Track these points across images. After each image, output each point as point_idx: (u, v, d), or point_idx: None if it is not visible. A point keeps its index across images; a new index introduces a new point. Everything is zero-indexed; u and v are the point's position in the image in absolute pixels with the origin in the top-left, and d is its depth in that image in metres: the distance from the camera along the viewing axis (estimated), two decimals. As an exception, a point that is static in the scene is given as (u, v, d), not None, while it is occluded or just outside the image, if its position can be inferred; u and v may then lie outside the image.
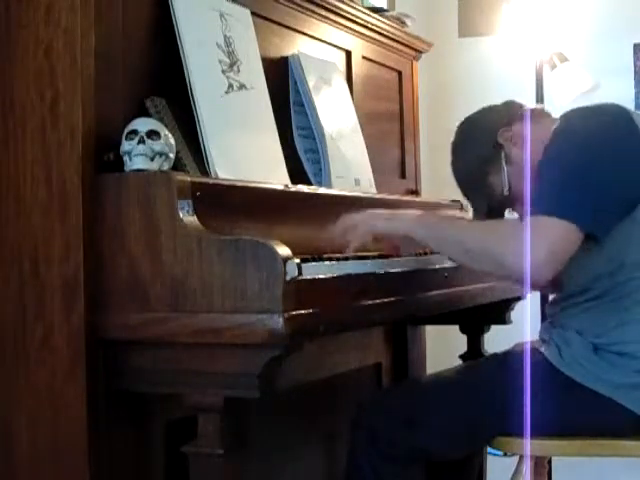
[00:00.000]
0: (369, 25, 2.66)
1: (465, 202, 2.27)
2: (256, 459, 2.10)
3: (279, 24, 2.30)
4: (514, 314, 2.75)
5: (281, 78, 2.29)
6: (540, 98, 3.56)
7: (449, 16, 4.35)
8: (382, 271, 1.88)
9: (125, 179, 1.67)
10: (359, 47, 2.66)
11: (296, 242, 1.75)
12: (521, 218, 2.01)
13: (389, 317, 2.01)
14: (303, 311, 1.57)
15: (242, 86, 2.03)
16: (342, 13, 2.52)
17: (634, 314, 1.88)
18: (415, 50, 2.98)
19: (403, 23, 2.89)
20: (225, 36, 2.02)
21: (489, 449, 2.35)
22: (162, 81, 1.90)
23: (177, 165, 1.78)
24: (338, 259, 1.83)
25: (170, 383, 1.66)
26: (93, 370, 1.68)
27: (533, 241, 1.75)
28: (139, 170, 1.68)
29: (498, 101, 2.17)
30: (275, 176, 2.04)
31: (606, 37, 4.04)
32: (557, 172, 1.84)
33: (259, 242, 1.56)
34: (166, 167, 1.72)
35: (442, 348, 3.29)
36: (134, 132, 1.71)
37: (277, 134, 2.11)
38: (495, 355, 2.12)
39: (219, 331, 1.57)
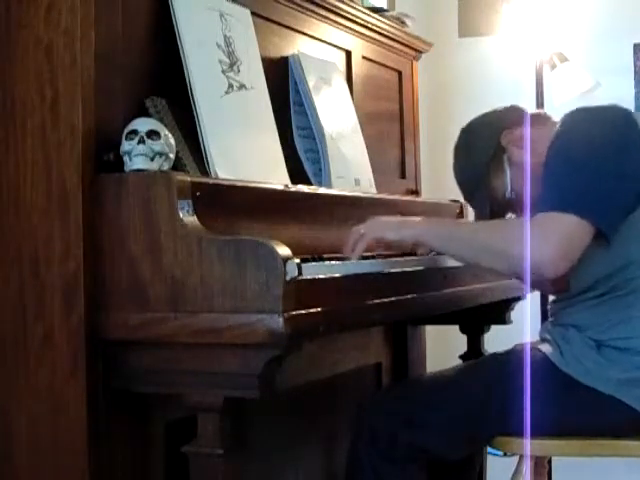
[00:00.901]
0: (369, 25, 2.66)
1: (465, 202, 2.27)
2: (256, 459, 2.11)
3: (279, 24, 2.30)
4: (514, 314, 2.75)
5: (281, 78, 2.29)
6: (540, 98, 3.56)
7: (449, 16, 4.35)
8: (382, 271, 1.88)
9: (125, 179, 1.67)
10: (359, 47, 2.66)
11: (296, 242, 1.75)
12: None
13: (389, 317, 2.01)
14: (303, 311, 1.57)
15: (242, 86, 2.03)
16: (342, 13, 2.52)
17: (636, 310, 1.89)
18: (415, 50, 2.98)
19: (403, 23, 2.89)
20: (225, 36, 2.02)
21: (489, 449, 2.35)
22: (162, 81, 1.90)
23: (177, 165, 1.78)
24: (338, 259, 1.84)
25: (170, 383, 1.66)
26: (93, 370, 1.68)
27: (544, 237, 1.76)
28: (139, 170, 1.68)
29: (498, 101, 2.18)
30: (275, 176, 2.04)
31: (606, 37, 4.04)
32: (563, 169, 1.85)
33: (259, 242, 1.56)
34: (166, 167, 1.72)
35: (442, 348, 3.29)
36: (134, 132, 1.71)
37: (277, 134, 2.11)
38: (495, 355, 2.12)
39: (219, 331, 1.56)
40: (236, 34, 2.05)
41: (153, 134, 1.71)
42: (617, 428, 1.90)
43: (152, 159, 1.70)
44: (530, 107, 3.55)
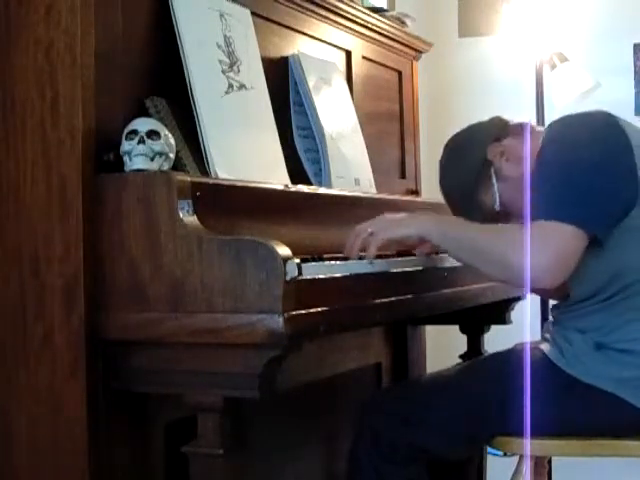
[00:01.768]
0: (369, 25, 2.66)
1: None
2: (256, 459, 2.11)
3: (279, 24, 2.30)
4: (514, 314, 2.75)
5: (281, 78, 2.29)
6: (540, 98, 3.56)
7: (449, 16, 4.35)
8: (382, 271, 1.88)
9: (125, 179, 1.67)
10: (359, 47, 2.66)
11: (296, 242, 1.75)
12: None
13: (389, 317, 2.01)
14: (303, 311, 1.56)
15: (242, 86, 2.03)
16: (342, 13, 2.52)
17: (639, 314, 1.89)
18: (415, 50, 2.98)
19: (403, 23, 2.89)
20: (225, 36, 2.02)
21: (489, 449, 2.35)
22: (162, 81, 1.90)
23: (177, 165, 1.78)
24: (338, 259, 1.83)
25: (170, 383, 1.66)
26: (93, 370, 1.68)
27: (538, 247, 1.75)
28: (139, 170, 1.68)
29: (498, 101, 2.18)
30: (275, 176, 2.04)
31: (606, 37, 4.04)
32: (554, 178, 1.85)
33: (259, 242, 1.56)
34: (166, 167, 1.72)
35: (442, 348, 3.29)
36: (134, 132, 1.71)
37: (277, 134, 2.11)
38: (495, 354, 2.12)
39: (219, 331, 1.56)
40: (236, 34, 2.05)
41: (153, 134, 1.71)
42: (617, 427, 1.90)
43: (152, 159, 1.70)
44: (530, 107, 3.57)
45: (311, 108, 2.32)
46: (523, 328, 2.39)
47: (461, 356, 2.75)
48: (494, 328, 2.78)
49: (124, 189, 1.66)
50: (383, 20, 2.73)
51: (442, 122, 4.01)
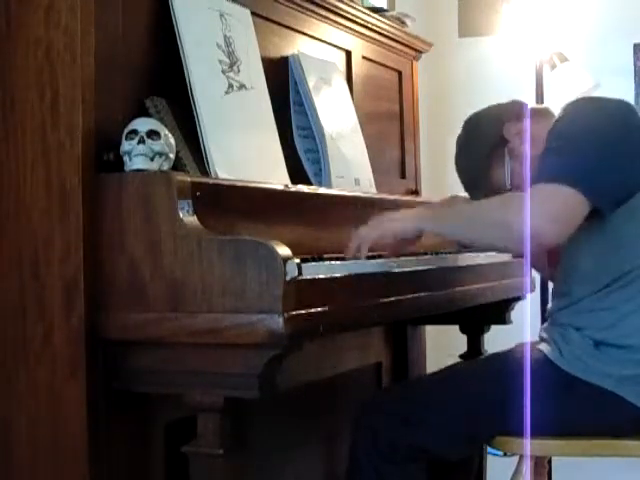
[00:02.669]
0: (369, 25, 2.66)
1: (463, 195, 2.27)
2: (256, 459, 2.11)
3: (279, 24, 2.31)
4: (514, 314, 2.75)
5: (281, 78, 2.29)
6: (540, 98, 3.56)
7: (449, 16, 4.36)
8: (382, 271, 1.88)
9: (125, 179, 1.67)
10: (359, 47, 2.66)
11: (296, 242, 1.75)
12: None
13: (389, 317, 2.01)
14: (303, 311, 1.57)
15: (242, 86, 2.03)
16: (342, 13, 2.52)
17: (635, 305, 1.89)
18: (415, 50, 2.98)
19: (403, 23, 2.89)
20: (225, 36, 2.02)
21: (489, 449, 2.35)
22: (162, 81, 1.90)
23: (177, 165, 1.78)
24: (338, 259, 1.83)
25: (170, 383, 1.65)
26: (93, 370, 1.68)
27: (535, 208, 1.77)
28: (139, 170, 1.68)
29: (498, 101, 2.19)
30: (275, 176, 2.04)
31: (606, 37, 4.04)
32: (562, 147, 1.86)
33: (259, 242, 1.56)
34: (166, 167, 1.72)
35: (442, 348, 3.30)
36: (134, 132, 1.71)
37: (277, 134, 2.11)
38: (495, 354, 2.12)
39: (219, 331, 1.56)
40: (236, 34, 2.05)
41: (153, 134, 1.71)
42: (617, 427, 1.90)
43: (152, 159, 1.70)
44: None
45: (311, 108, 2.32)
46: (523, 328, 2.39)
47: (461, 356, 2.75)
48: (494, 328, 2.79)
49: (124, 189, 1.66)
50: (383, 20, 2.73)
51: (442, 122, 4.02)
